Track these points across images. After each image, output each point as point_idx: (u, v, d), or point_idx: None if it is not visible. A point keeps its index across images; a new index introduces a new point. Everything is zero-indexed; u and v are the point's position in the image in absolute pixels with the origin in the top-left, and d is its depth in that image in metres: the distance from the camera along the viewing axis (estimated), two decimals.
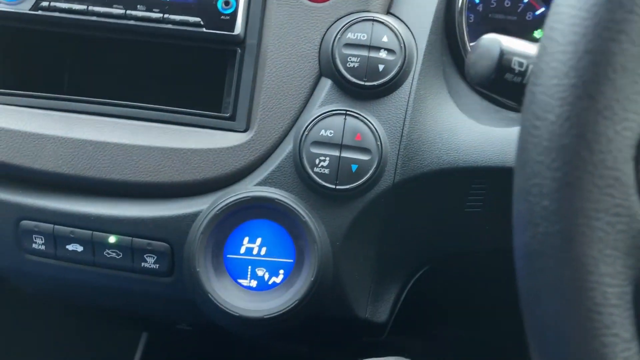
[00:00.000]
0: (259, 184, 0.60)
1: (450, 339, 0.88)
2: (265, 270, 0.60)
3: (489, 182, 0.62)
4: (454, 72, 0.66)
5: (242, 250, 0.60)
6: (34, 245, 0.62)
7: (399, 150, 0.59)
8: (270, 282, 0.60)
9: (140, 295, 0.64)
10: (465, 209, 0.64)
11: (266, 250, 0.60)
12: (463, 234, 0.67)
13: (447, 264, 0.71)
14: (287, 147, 0.60)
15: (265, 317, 0.57)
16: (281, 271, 0.60)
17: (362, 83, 0.59)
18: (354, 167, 0.58)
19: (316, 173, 0.57)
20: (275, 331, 0.60)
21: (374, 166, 0.58)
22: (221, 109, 0.62)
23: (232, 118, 0.62)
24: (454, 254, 0.68)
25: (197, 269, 0.57)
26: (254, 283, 0.60)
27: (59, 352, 1.45)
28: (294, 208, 0.58)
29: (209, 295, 0.57)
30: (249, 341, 0.76)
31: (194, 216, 0.60)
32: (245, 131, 0.61)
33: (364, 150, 0.58)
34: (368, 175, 0.57)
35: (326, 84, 0.60)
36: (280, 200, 0.58)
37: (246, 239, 0.60)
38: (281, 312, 0.57)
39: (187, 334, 1.03)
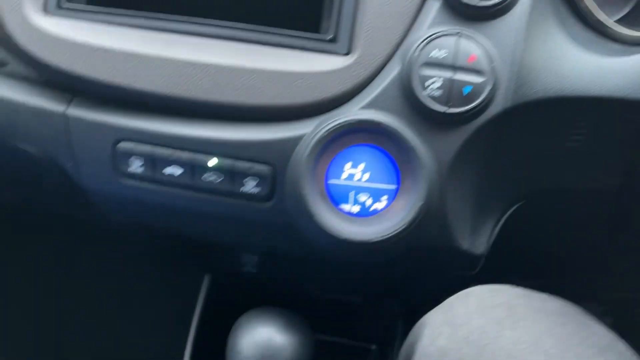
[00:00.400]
0: (364, 107, 0.58)
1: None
2: (367, 196, 0.59)
3: (595, 114, 0.60)
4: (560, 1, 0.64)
5: (344, 175, 0.59)
6: (130, 168, 0.62)
7: (510, 74, 0.57)
8: (372, 209, 0.59)
9: (237, 221, 0.63)
10: (566, 142, 0.63)
11: (369, 176, 0.59)
12: (561, 169, 0.65)
13: (541, 202, 0.69)
14: (393, 70, 0.58)
15: (371, 240, 0.56)
16: (384, 197, 0.59)
17: (474, 3, 0.56)
18: (467, 90, 0.56)
19: (427, 95, 0.56)
20: (376, 257, 0.59)
21: (488, 89, 0.56)
22: (320, 30, 0.61)
23: (333, 40, 0.60)
24: (550, 190, 0.67)
25: (303, 192, 0.56)
26: (355, 209, 0.59)
27: (122, 291, 1.49)
28: (402, 132, 0.56)
29: (315, 218, 0.56)
30: (341, 268, 0.75)
31: (297, 139, 0.59)
32: (346, 54, 0.60)
33: (478, 72, 0.56)
34: (481, 98, 0.55)
35: (433, 5, 0.58)
36: (388, 124, 0.56)
37: (348, 165, 0.59)
38: (388, 236, 0.56)
39: (250, 277, 1.03)
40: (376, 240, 0.56)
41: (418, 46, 0.56)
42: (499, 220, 0.66)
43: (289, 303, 1.07)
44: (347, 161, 0.58)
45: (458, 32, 0.56)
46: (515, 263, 0.58)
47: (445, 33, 0.56)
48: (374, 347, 1.11)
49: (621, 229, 0.75)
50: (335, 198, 0.59)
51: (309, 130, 0.58)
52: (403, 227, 0.56)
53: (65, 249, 1.56)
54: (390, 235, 0.56)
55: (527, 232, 0.74)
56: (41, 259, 1.56)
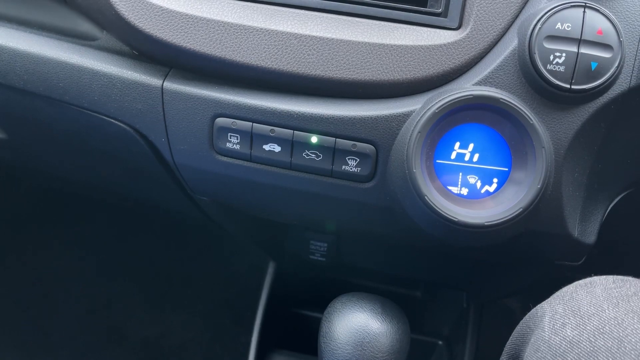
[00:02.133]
0: (477, 83, 0.55)
1: None
2: (477, 177, 0.56)
3: None
4: None
5: (453, 155, 0.56)
6: (228, 145, 0.60)
7: (637, 50, 0.54)
8: (482, 191, 0.56)
9: (333, 202, 0.61)
10: None
11: (479, 157, 0.55)
12: None
13: None
14: (510, 44, 0.54)
15: (485, 224, 0.53)
16: (495, 180, 0.56)
17: None
18: (594, 65, 0.52)
19: (549, 71, 0.52)
20: (485, 241, 0.56)
21: (615, 65, 0.52)
22: (427, 4, 0.58)
23: (443, 14, 0.57)
24: None
25: (414, 170, 0.54)
26: (464, 191, 0.56)
27: (185, 277, 1.49)
28: (521, 109, 0.53)
29: (426, 198, 0.53)
30: (424, 255, 0.71)
31: (404, 117, 0.56)
32: (457, 28, 0.56)
33: (605, 46, 0.52)
34: (608, 74, 0.52)
35: None
36: (507, 100, 0.53)
37: (457, 144, 0.56)
38: (503, 220, 0.53)
39: (314, 264, 1.01)
40: (491, 223, 0.53)
41: (540, 18, 0.52)
42: (607, 208, 0.63)
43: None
44: (456, 140, 0.55)
45: (584, 4, 0.52)
46: (614, 258, 0.55)
47: (571, 4, 0.52)
48: (440, 342, 1.08)
49: None
50: (444, 179, 0.56)
51: (417, 107, 0.55)
52: (519, 210, 0.53)
53: (126, 233, 1.57)
54: (505, 219, 0.53)
55: (630, 223, 0.70)
56: (96, 237, 1.58)
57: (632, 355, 0.41)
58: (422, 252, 0.85)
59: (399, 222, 0.60)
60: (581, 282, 0.50)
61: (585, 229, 0.60)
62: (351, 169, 0.58)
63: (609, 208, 0.63)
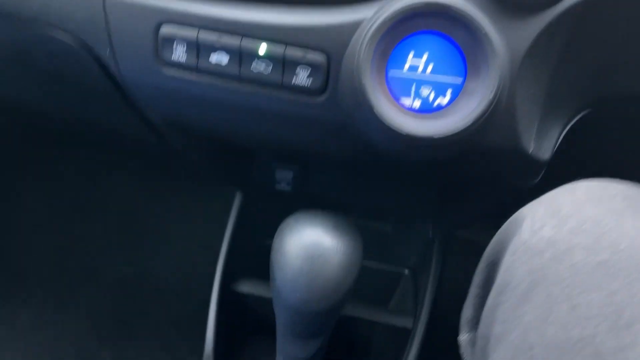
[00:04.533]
0: None
1: None
2: (430, 89, 0.54)
3: None
4: None
5: (406, 67, 0.54)
6: (173, 56, 0.57)
7: None
8: (435, 104, 0.54)
9: (285, 118, 0.59)
10: None
11: (433, 67, 0.54)
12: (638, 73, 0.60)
13: (608, 112, 0.64)
14: None
15: (434, 136, 0.52)
16: (449, 91, 0.54)
17: None
18: None
19: None
20: (437, 155, 0.55)
21: None
22: None
23: None
24: (622, 97, 0.62)
25: (363, 81, 0.52)
26: (417, 104, 0.54)
27: (152, 209, 1.49)
28: (474, 16, 0.51)
29: (374, 110, 0.52)
30: (387, 175, 0.70)
31: (356, 25, 0.53)
32: None
33: None
34: None
35: None
36: (458, 8, 0.51)
37: (411, 54, 0.54)
38: (452, 132, 0.52)
39: (282, 195, 1.00)
40: (440, 136, 0.52)
41: None
42: (564, 126, 0.62)
43: None
44: (410, 50, 0.53)
45: None
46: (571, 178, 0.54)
47: None
48: (406, 271, 1.10)
49: None
50: (396, 91, 0.54)
51: (369, 14, 0.53)
52: (470, 122, 0.51)
53: (94, 167, 1.55)
54: (455, 131, 0.52)
55: (587, 146, 0.69)
56: (69, 176, 1.56)
57: (609, 251, 0.40)
58: (385, 178, 0.85)
59: (354, 140, 0.59)
60: (564, 186, 0.48)
61: (541, 146, 0.59)
62: (302, 81, 0.56)
63: (567, 128, 0.62)
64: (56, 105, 0.83)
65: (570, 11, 0.52)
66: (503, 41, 0.52)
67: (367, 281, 1.06)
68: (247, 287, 1.02)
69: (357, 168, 0.75)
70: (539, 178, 0.63)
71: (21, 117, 1.20)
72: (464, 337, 0.53)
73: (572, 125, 0.63)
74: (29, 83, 0.78)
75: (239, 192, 1.05)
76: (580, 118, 0.64)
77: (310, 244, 0.59)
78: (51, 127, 1.21)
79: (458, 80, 0.54)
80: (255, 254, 1.11)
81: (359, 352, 1.05)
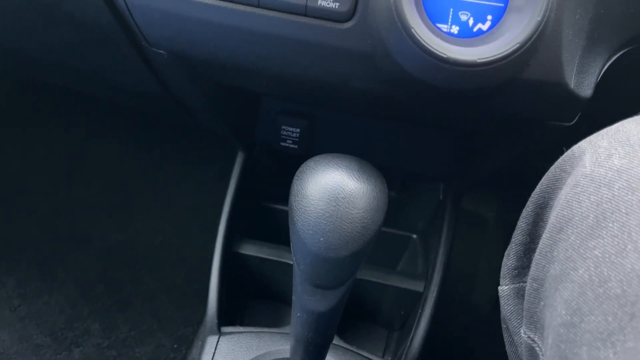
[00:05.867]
0: None
1: None
2: (469, 14, 0.50)
3: None
4: None
5: None
6: None
7: None
8: (475, 29, 0.50)
9: (306, 50, 0.54)
10: None
11: None
12: None
13: None
14: None
15: (478, 60, 0.47)
16: (489, 17, 0.49)
17: None
18: None
19: None
20: (477, 86, 0.50)
21: None
22: None
23: None
24: None
25: (401, 4, 0.47)
26: (455, 29, 0.50)
27: (147, 171, 1.43)
28: None
29: (413, 32, 0.47)
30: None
31: None
32: None
33: None
34: None
35: None
36: None
37: None
38: (498, 56, 0.47)
39: (286, 156, 0.95)
40: (484, 60, 0.47)
41: None
42: (605, 63, 0.58)
43: None
44: None
45: None
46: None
47: None
48: (415, 236, 1.06)
49: None
50: (433, 16, 0.50)
51: None
52: (516, 46, 0.47)
53: (84, 132, 1.49)
54: (501, 55, 0.47)
55: (623, 90, 0.65)
56: (58, 141, 1.49)
57: None
58: (400, 131, 0.80)
59: (381, 70, 0.54)
60: (628, 119, 0.44)
61: (582, 81, 0.55)
62: (328, 3, 0.51)
63: (606, 65, 0.58)
64: (55, 52, 0.77)
65: None
66: None
67: (376, 247, 1.03)
68: (248, 249, 0.98)
69: (375, 110, 0.70)
70: (575, 120, 0.59)
71: (13, 66, 1.13)
72: (505, 288, 0.49)
73: (611, 65, 0.59)
74: (28, 27, 0.72)
75: (241, 152, 0.99)
76: (620, 57, 0.60)
77: (334, 185, 0.55)
78: (47, 80, 1.14)
79: (499, 4, 0.49)
80: (257, 218, 1.06)
81: (368, 315, 1.02)
